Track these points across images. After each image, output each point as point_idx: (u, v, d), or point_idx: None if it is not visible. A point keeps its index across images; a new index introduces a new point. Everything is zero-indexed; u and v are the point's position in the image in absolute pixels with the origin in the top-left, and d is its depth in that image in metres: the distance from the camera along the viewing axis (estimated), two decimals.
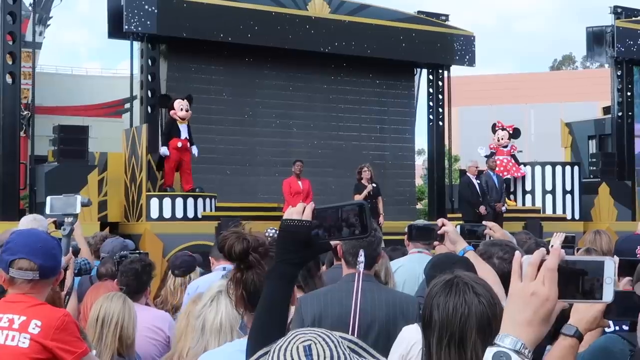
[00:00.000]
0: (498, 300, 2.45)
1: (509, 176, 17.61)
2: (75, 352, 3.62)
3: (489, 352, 1.68)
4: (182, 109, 14.76)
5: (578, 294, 1.74)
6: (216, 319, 3.28)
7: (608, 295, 1.72)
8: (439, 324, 2.39)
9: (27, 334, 3.54)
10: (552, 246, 5.39)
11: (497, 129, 18.18)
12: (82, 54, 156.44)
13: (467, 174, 16.49)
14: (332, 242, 2.27)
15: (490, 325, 2.35)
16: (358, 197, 14.20)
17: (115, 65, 60.69)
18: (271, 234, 4.56)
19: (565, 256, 1.74)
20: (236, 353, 2.41)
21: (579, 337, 2.77)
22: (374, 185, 14.77)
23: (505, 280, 3.62)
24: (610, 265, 1.72)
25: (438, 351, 2.38)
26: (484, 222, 4.68)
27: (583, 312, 2.79)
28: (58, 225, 5.57)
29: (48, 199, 5.31)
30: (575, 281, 1.73)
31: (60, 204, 5.26)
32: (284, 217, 2.20)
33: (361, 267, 3.54)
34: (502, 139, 18.02)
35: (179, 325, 4.45)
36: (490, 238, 4.40)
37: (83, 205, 5.27)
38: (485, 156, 17.64)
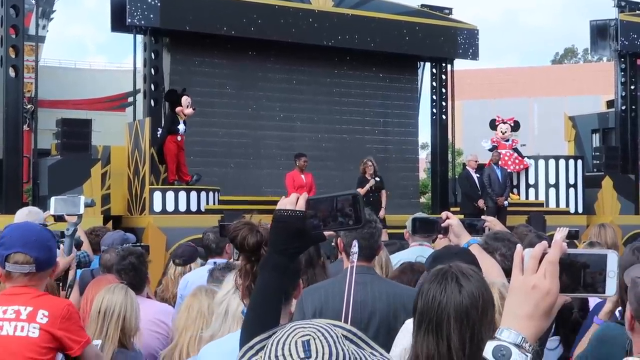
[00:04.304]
0: (485, 293, 2.48)
1: (509, 170, 17.57)
2: (81, 341, 3.68)
3: (490, 345, 1.67)
4: (188, 106, 14.78)
5: (580, 288, 1.71)
6: (240, 306, 3.28)
7: (611, 289, 1.70)
8: (419, 311, 2.47)
9: (36, 323, 3.58)
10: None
11: (497, 123, 18.15)
12: (90, 48, 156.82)
13: (467, 167, 16.54)
14: (327, 233, 2.26)
15: (469, 317, 2.40)
16: (360, 190, 14.19)
17: (121, 59, 60.51)
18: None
19: (568, 249, 1.73)
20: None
21: None
22: (377, 179, 14.77)
23: (507, 275, 3.63)
24: (614, 258, 1.70)
25: (418, 336, 2.47)
26: (483, 217, 4.68)
27: None
28: (57, 218, 5.55)
29: (52, 199, 5.29)
30: (577, 274, 1.71)
31: (64, 205, 5.24)
32: (276, 208, 2.19)
33: (355, 257, 3.53)
34: (505, 132, 18.00)
35: (180, 319, 4.45)
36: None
37: (86, 206, 5.26)
38: (489, 150, 17.64)
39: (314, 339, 1.52)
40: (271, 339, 1.56)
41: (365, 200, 13.96)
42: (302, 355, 1.49)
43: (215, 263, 6.33)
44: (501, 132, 17.99)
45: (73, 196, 5.40)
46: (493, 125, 18.27)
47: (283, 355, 1.51)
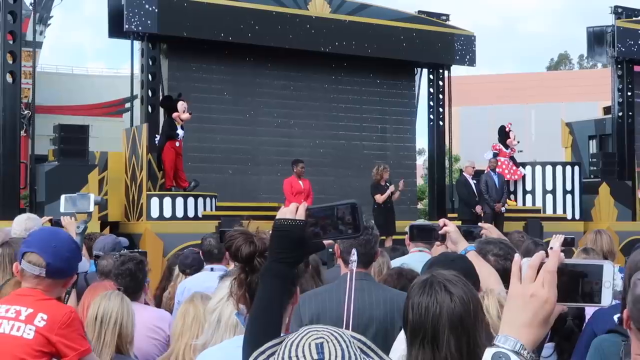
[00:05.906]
0: (474, 298, 2.48)
1: (505, 178, 17.57)
2: (78, 349, 3.67)
3: (488, 352, 1.69)
4: (184, 111, 14.79)
5: (577, 297, 1.74)
6: (233, 314, 3.27)
7: (607, 299, 1.72)
8: (413, 324, 2.44)
9: (32, 325, 3.61)
10: (551, 248, 5.38)
11: (508, 130, 18.15)
12: (87, 53, 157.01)
13: (464, 173, 16.57)
14: (326, 242, 2.28)
15: (463, 323, 2.39)
16: (380, 197, 14.30)
17: (119, 65, 60.66)
18: None
19: (565, 259, 1.74)
20: (237, 349, 2.40)
21: None
22: (389, 184, 14.79)
23: (502, 276, 3.65)
24: (610, 269, 1.72)
25: (414, 349, 2.44)
26: (480, 224, 4.69)
27: None
28: (54, 223, 5.53)
29: (62, 197, 5.30)
30: (575, 284, 1.73)
31: (74, 203, 5.25)
32: (277, 217, 2.21)
33: (354, 265, 3.54)
34: (515, 138, 18.08)
35: (176, 325, 4.46)
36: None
37: (96, 204, 5.27)
38: (492, 157, 17.62)
39: (327, 342, 1.56)
40: (284, 342, 1.59)
41: (383, 207, 14.10)
42: (315, 357, 1.54)
43: (212, 269, 6.32)
44: (513, 137, 18.03)
45: (83, 194, 5.41)
46: (503, 132, 18.20)
47: (297, 356, 1.55)
